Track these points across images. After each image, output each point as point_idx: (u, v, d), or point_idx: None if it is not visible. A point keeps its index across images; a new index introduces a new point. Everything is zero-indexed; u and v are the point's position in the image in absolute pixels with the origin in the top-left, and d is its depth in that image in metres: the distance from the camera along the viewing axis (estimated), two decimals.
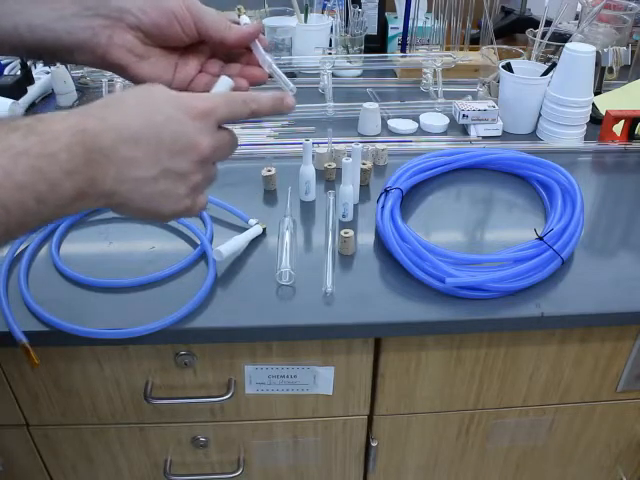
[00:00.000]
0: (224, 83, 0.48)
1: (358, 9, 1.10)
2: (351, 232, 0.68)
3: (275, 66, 0.52)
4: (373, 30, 1.19)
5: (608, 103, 0.98)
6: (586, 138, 0.93)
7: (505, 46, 1.06)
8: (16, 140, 0.36)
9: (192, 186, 0.44)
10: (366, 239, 0.72)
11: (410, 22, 1.13)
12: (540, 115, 0.94)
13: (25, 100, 0.98)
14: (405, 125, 0.95)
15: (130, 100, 0.42)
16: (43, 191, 0.36)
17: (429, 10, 1.16)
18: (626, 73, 1.09)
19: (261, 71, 0.52)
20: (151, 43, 0.50)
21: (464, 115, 0.92)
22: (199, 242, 0.70)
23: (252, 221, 0.72)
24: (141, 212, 0.43)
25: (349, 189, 0.72)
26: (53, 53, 0.48)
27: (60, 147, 0.37)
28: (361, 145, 0.75)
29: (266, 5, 1.22)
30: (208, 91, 0.48)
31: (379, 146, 0.85)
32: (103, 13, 0.47)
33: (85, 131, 0.38)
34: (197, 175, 0.44)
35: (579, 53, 0.86)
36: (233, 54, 0.52)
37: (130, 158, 0.40)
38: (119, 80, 1.00)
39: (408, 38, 1.15)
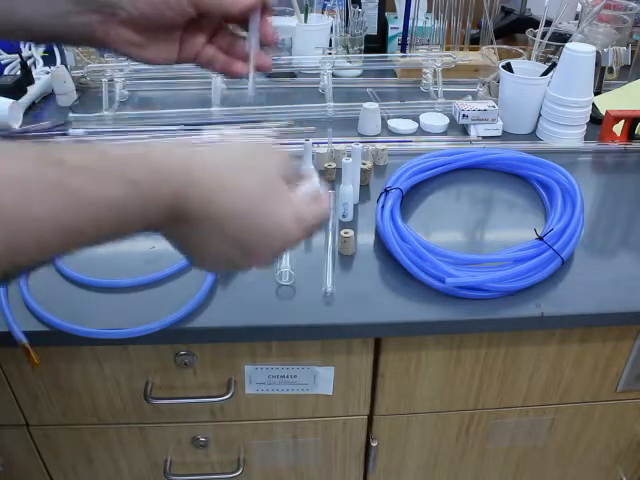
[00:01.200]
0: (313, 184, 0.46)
1: (358, 9, 1.10)
2: (351, 232, 0.68)
3: (252, 55, 0.51)
4: (373, 30, 1.19)
5: (608, 103, 0.98)
6: (586, 138, 0.93)
7: (505, 46, 1.05)
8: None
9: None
10: (366, 239, 0.72)
11: (410, 22, 1.13)
12: (540, 115, 0.94)
13: (25, 100, 0.98)
14: (405, 125, 0.95)
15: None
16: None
17: (429, 10, 1.16)
18: (626, 73, 1.09)
19: (268, 60, 0.52)
20: (148, 31, 0.49)
21: (464, 115, 0.92)
22: None
23: None
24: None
25: (349, 189, 0.72)
26: (63, 42, 0.49)
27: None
28: (361, 145, 0.75)
29: None
30: (212, 64, 0.51)
31: (379, 146, 0.85)
32: (94, 9, 0.47)
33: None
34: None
35: (579, 53, 0.86)
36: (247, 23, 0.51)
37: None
38: (119, 80, 1.00)
39: (408, 38, 1.14)
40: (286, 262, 0.65)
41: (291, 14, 1.14)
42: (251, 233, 0.40)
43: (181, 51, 0.51)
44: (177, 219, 0.38)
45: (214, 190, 0.38)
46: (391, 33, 1.19)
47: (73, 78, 1.02)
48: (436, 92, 1.03)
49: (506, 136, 0.95)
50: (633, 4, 1.10)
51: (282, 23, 1.13)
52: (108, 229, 0.37)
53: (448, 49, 1.15)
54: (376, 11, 1.19)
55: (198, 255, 0.42)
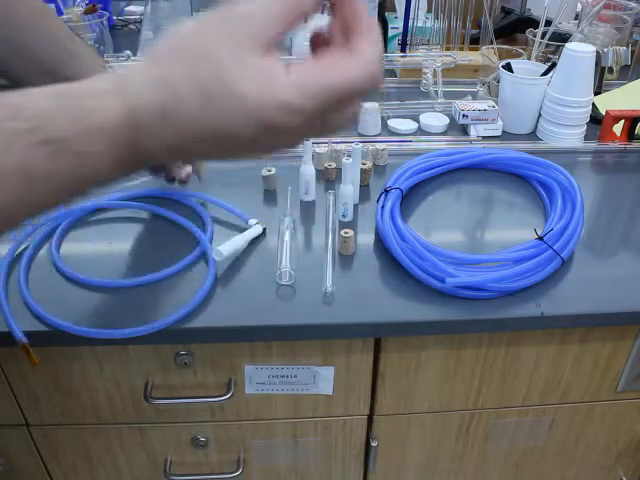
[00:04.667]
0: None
1: None
2: (351, 232, 0.68)
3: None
4: None
5: (608, 103, 0.98)
6: (586, 138, 0.93)
7: (505, 46, 1.06)
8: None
9: None
10: (366, 239, 0.72)
11: (410, 22, 1.13)
12: (540, 115, 0.94)
13: None
14: (405, 125, 0.95)
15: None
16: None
17: (429, 10, 1.16)
18: (626, 73, 1.09)
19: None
20: None
21: (464, 115, 0.92)
22: (199, 242, 0.70)
23: (252, 221, 0.72)
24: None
25: (349, 189, 0.72)
26: None
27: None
28: (361, 145, 0.75)
29: None
30: None
31: (379, 146, 0.85)
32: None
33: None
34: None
35: (579, 53, 0.86)
36: None
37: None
38: None
39: (408, 38, 1.14)
40: (286, 262, 0.65)
41: None
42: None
43: None
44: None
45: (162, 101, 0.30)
46: (391, 33, 1.19)
47: None
48: (436, 92, 1.03)
49: (506, 136, 0.95)
50: (633, 4, 1.11)
51: None
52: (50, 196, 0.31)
53: (448, 49, 1.15)
54: (376, 11, 1.19)
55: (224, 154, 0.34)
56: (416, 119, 0.96)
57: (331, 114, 0.33)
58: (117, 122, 0.30)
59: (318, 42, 0.36)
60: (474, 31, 1.17)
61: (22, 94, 0.30)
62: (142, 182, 0.79)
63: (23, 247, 0.69)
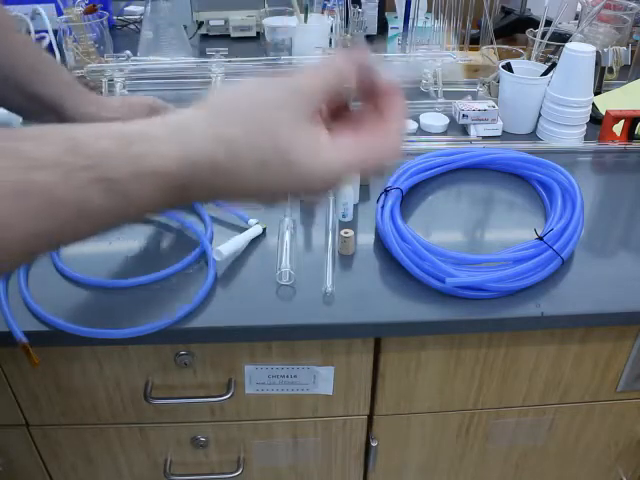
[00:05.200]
0: None
1: (358, 9, 1.10)
2: (351, 232, 0.68)
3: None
4: (373, 30, 1.19)
5: (608, 103, 0.98)
6: (586, 138, 0.93)
7: (505, 46, 1.06)
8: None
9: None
10: (366, 239, 0.72)
11: (410, 22, 1.13)
12: (540, 115, 0.94)
13: None
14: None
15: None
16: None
17: (429, 10, 1.16)
18: (626, 73, 1.09)
19: None
20: None
21: (464, 115, 0.92)
22: (199, 242, 0.70)
23: (252, 221, 0.72)
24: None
25: (349, 189, 0.72)
26: None
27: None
28: None
29: (266, 5, 1.22)
30: None
31: None
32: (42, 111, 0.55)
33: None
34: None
35: (579, 53, 0.86)
36: None
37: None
38: (119, 80, 1.00)
39: (408, 38, 1.14)
40: (286, 262, 0.65)
41: (291, 14, 1.14)
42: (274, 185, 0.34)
43: None
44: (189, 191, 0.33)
45: (215, 177, 0.33)
46: (391, 33, 1.19)
47: None
48: (436, 92, 1.03)
49: (506, 136, 0.95)
50: (633, 4, 1.10)
51: (282, 23, 1.13)
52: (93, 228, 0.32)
53: (448, 49, 1.15)
54: (376, 11, 1.19)
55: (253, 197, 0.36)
56: (416, 119, 0.96)
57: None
58: (172, 170, 0.32)
59: (340, 107, 0.39)
60: (474, 31, 1.17)
61: (79, 129, 0.31)
62: None
63: None
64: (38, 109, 0.63)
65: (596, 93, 0.99)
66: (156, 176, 0.31)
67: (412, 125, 0.95)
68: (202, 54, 1.17)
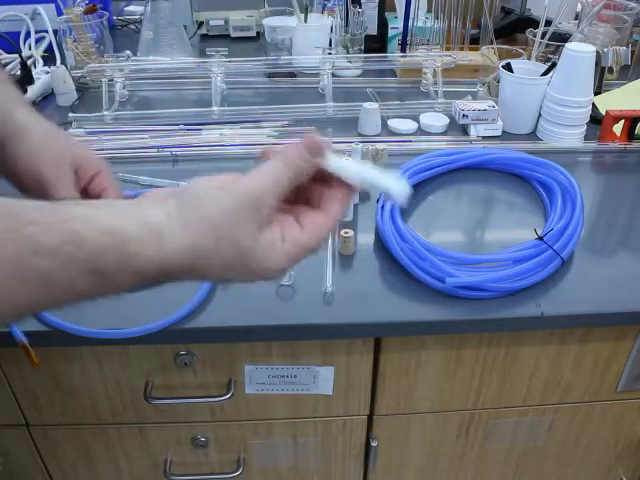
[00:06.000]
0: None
1: (358, 9, 1.10)
2: (351, 232, 0.68)
3: None
4: (373, 30, 1.19)
5: (608, 103, 0.98)
6: (586, 138, 0.93)
7: (505, 46, 1.06)
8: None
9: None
10: (366, 239, 0.72)
11: (410, 22, 1.13)
12: (540, 115, 0.94)
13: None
14: (405, 125, 0.95)
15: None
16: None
17: (429, 10, 1.16)
18: (626, 73, 1.09)
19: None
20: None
21: (464, 115, 0.92)
22: None
23: None
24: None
25: None
26: None
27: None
28: (361, 145, 0.75)
29: (266, 5, 1.22)
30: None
31: (379, 146, 0.85)
32: None
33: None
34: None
35: (579, 53, 0.86)
36: None
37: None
38: (119, 80, 1.00)
39: (408, 38, 1.15)
40: None
41: (291, 14, 1.14)
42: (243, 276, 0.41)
43: None
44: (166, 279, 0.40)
45: (190, 271, 0.39)
46: (391, 33, 1.19)
47: (73, 78, 1.02)
48: (436, 92, 1.03)
49: (506, 136, 0.95)
50: (633, 4, 1.10)
51: (282, 23, 1.13)
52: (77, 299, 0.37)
53: (448, 49, 1.15)
54: (376, 11, 1.19)
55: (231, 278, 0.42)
56: (416, 119, 0.96)
57: None
58: (154, 271, 0.37)
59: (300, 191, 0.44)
60: (474, 31, 1.17)
61: (80, 219, 0.35)
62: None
63: None
64: None
65: (596, 93, 0.99)
66: (141, 275, 0.37)
67: (412, 125, 0.95)
68: (202, 54, 1.18)
